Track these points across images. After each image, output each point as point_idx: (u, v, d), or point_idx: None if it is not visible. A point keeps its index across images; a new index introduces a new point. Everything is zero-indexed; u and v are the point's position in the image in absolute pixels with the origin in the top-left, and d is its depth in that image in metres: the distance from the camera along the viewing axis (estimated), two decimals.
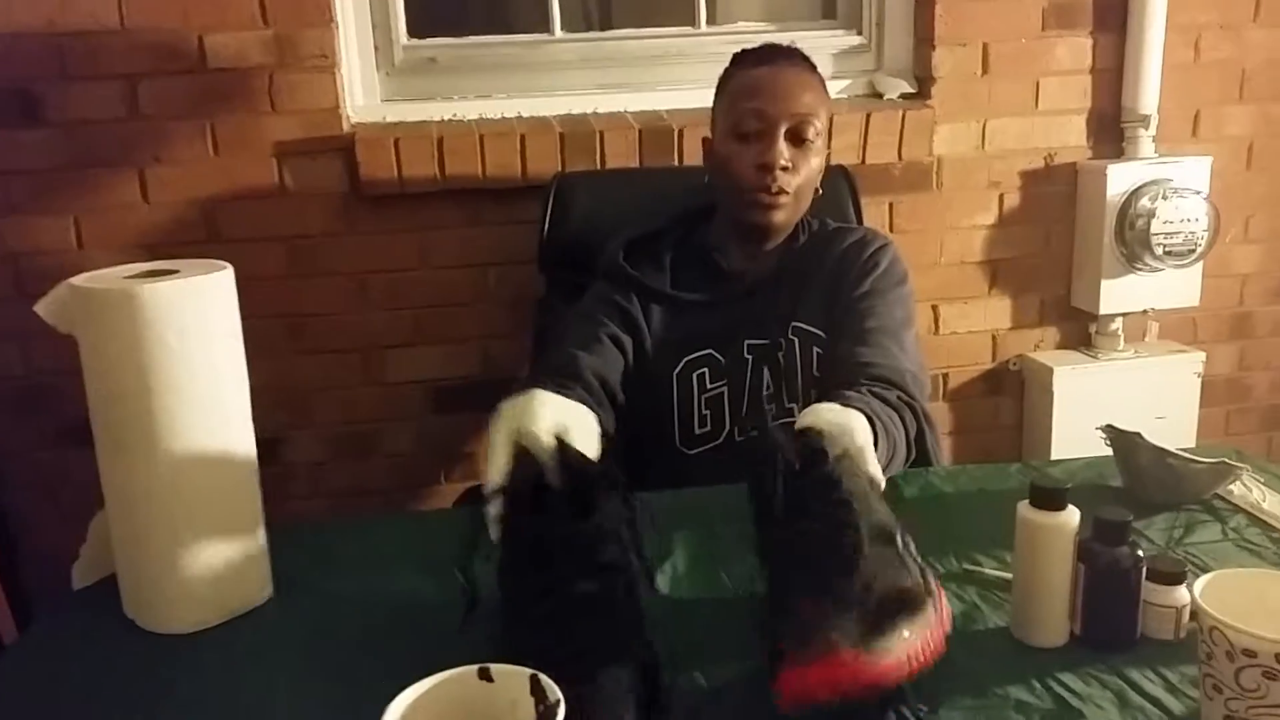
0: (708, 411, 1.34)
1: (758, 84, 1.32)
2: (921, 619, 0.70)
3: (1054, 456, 2.01)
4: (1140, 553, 0.85)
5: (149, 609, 0.96)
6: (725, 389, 1.33)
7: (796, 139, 1.31)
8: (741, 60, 1.37)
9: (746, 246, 1.38)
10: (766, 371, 1.34)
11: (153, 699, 0.84)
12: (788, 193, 1.31)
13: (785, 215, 1.34)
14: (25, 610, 1.78)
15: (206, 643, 0.93)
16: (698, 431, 1.34)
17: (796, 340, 1.35)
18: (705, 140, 1.42)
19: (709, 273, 1.39)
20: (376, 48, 1.88)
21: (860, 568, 0.72)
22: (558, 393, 0.96)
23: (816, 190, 1.38)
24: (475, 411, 1.95)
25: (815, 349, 1.34)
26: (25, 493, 1.85)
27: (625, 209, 1.53)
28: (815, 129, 1.32)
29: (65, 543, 1.05)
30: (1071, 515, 0.85)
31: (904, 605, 0.70)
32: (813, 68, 1.36)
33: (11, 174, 1.74)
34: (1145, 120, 2.01)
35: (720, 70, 1.39)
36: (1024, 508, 0.86)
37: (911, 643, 0.69)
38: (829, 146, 1.39)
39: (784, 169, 1.30)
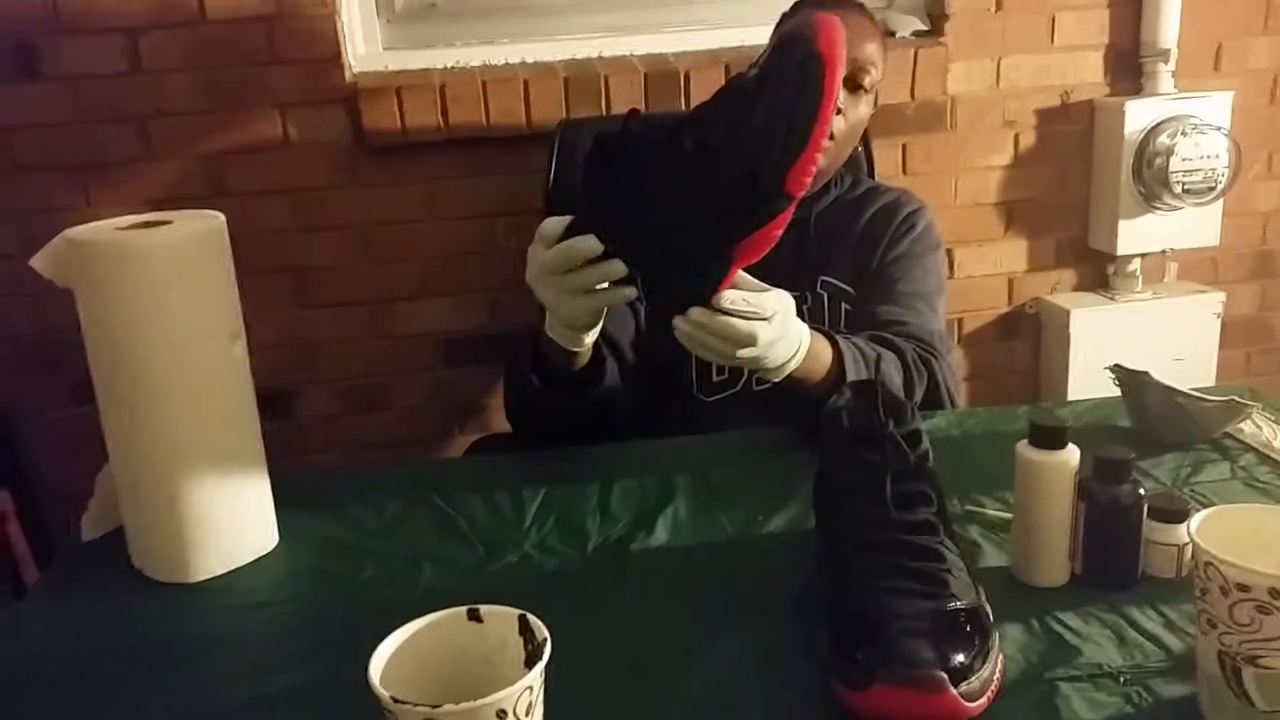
0: None
1: None
2: (995, 645, 0.73)
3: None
4: (1142, 491, 0.84)
5: (155, 559, 0.96)
6: None
7: (852, 85, 1.31)
8: (806, 3, 1.37)
9: None
10: None
11: (160, 646, 0.85)
12: (834, 136, 1.30)
13: (826, 159, 1.32)
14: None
15: (212, 591, 0.93)
16: (715, 379, 1.33)
17: (825, 295, 1.33)
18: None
19: None
20: None
21: (950, 585, 0.74)
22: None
23: (855, 147, 1.37)
24: (486, 364, 1.95)
25: (844, 304, 1.33)
26: (47, 449, 1.87)
27: None
28: (872, 79, 1.32)
29: (89, 497, 1.06)
30: (1071, 454, 0.84)
31: (985, 631, 0.73)
32: (875, 20, 1.38)
33: (15, 130, 1.73)
34: (1165, 54, 1.96)
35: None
36: (1023, 447, 0.85)
37: (994, 676, 0.71)
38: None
39: (838, 111, 1.29)
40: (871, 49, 1.33)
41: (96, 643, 0.86)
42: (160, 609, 0.91)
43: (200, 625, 0.88)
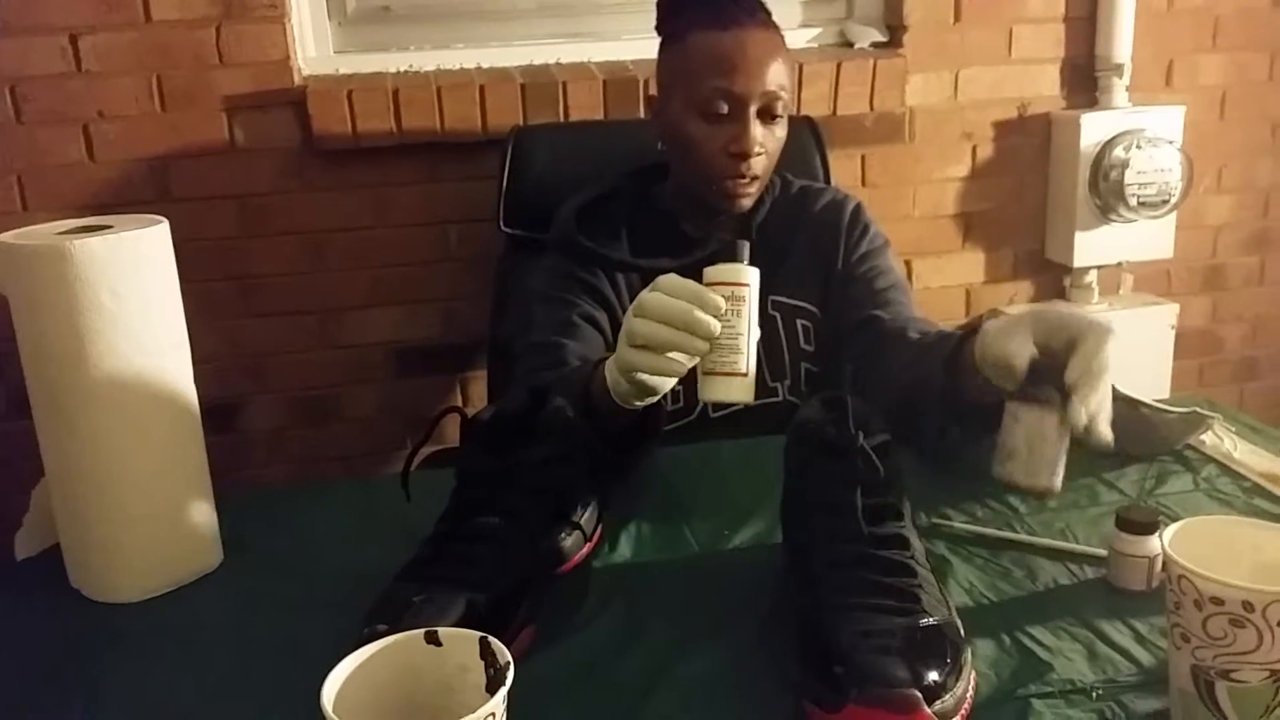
0: (680, 387, 1.28)
1: (725, 58, 1.18)
2: (967, 662, 0.71)
3: None
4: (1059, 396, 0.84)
5: (94, 579, 0.93)
6: (699, 363, 1.27)
7: (767, 115, 1.20)
8: (686, 10, 1.22)
9: (707, 213, 1.29)
10: None
11: (99, 670, 0.82)
12: (759, 177, 1.23)
13: (753, 200, 1.25)
14: None
15: (154, 611, 0.90)
16: (670, 408, 1.27)
17: (778, 315, 1.28)
18: (650, 99, 1.29)
19: (671, 238, 1.28)
20: None
21: (922, 601, 0.73)
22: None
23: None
24: (438, 374, 1.91)
25: (800, 322, 1.29)
26: None
27: (588, 163, 1.47)
28: (784, 103, 1.21)
29: (24, 513, 1.02)
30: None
31: (957, 647, 0.72)
32: (770, 18, 1.23)
33: None
34: (1119, 69, 1.98)
35: None
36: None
37: (967, 694, 0.70)
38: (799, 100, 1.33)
39: (757, 155, 1.20)
40: (778, 69, 1.19)
41: (30, 666, 0.82)
42: (98, 630, 0.87)
43: (140, 648, 0.84)
